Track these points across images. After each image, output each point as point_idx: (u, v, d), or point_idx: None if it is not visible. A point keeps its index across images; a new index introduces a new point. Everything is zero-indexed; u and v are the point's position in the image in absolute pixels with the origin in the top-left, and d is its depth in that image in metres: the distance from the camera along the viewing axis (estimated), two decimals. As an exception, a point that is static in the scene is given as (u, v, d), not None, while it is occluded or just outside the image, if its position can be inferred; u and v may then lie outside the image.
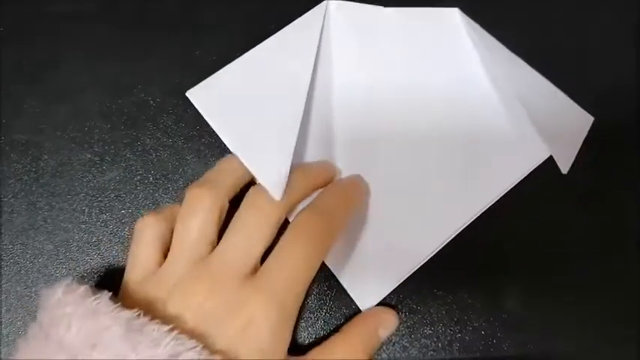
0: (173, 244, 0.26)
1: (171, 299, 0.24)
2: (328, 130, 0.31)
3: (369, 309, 0.29)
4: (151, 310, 0.23)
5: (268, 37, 0.32)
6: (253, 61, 0.31)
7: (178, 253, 0.25)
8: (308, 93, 0.29)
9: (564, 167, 0.30)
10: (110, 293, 0.23)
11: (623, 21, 0.34)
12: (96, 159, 0.31)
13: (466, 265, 0.31)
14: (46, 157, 0.31)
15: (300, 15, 0.32)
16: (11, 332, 0.29)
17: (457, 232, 0.30)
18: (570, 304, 0.31)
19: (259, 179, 0.28)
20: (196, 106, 0.30)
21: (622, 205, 0.32)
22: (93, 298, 0.22)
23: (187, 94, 0.30)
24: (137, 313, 0.21)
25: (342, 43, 0.32)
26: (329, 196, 0.28)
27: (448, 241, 0.30)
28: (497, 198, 0.31)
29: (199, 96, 0.31)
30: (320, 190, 0.29)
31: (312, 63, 0.30)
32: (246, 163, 0.28)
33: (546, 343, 0.30)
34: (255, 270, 0.25)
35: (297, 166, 0.28)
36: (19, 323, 0.29)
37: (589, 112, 0.32)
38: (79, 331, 0.21)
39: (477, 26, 0.31)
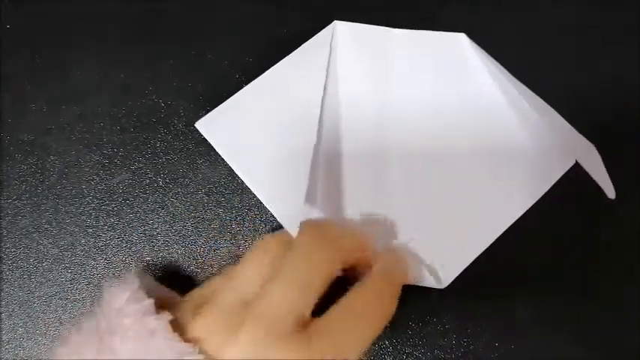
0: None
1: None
2: (338, 149, 0.31)
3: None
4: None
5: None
6: (262, 87, 0.30)
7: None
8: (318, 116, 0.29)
9: (610, 192, 0.28)
10: (170, 317, 0.22)
11: (623, 21, 0.34)
12: (104, 161, 0.30)
13: (479, 276, 0.30)
14: (52, 158, 0.30)
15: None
16: (12, 339, 0.28)
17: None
18: (584, 314, 0.30)
19: (274, 214, 0.28)
20: (206, 137, 0.30)
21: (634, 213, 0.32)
22: (154, 317, 0.21)
23: (197, 125, 0.30)
24: (192, 349, 0.21)
25: (350, 63, 0.32)
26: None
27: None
28: (523, 212, 0.30)
29: (209, 126, 0.30)
30: None
31: (322, 89, 0.30)
32: (260, 197, 0.29)
33: (559, 354, 0.30)
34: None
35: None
36: (20, 330, 0.28)
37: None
38: (134, 350, 0.21)
39: (482, 51, 0.32)
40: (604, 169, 0.29)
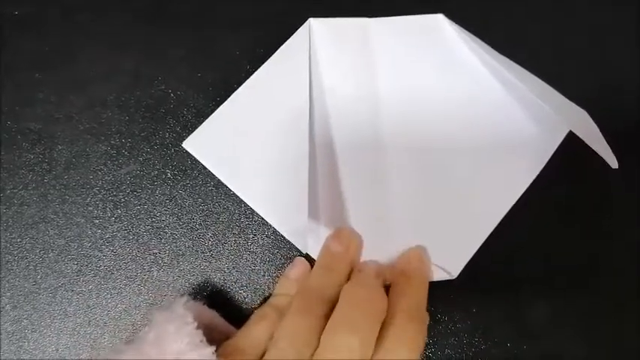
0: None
1: None
2: (332, 149, 0.30)
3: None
4: None
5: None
6: (246, 98, 0.30)
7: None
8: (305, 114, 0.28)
9: (612, 162, 0.27)
10: None
11: (621, 19, 0.33)
12: (112, 152, 0.30)
13: (491, 276, 0.30)
14: (59, 147, 0.30)
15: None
16: (17, 330, 0.28)
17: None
18: (597, 316, 0.30)
19: (281, 231, 0.28)
20: (196, 156, 0.29)
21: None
22: None
23: (184, 144, 0.29)
24: None
25: (332, 60, 0.31)
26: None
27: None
28: (519, 196, 0.30)
29: (197, 145, 0.29)
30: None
31: (308, 91, 0.29)
32: (261, 214, 0.29)
33: (572, 356, 0.29)
34: None
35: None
36: (25, 322, 0.28)
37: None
38: None
39: (462, 30, 0.31)
40: (602, 137, 0.28)
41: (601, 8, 0.33)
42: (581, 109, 0.31)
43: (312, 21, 0.31)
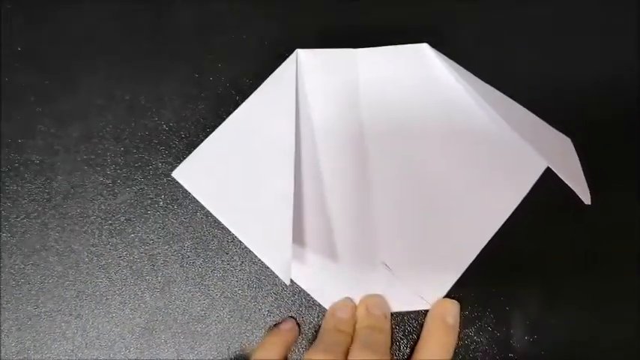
0: None
1: None
2: (319, 178, 0.31)
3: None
4: None
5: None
6: (235, 128, 0.31)
7: None
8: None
9: (585, 198, 0.28)
10: None
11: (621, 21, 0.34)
12: (108, 182, 0.31)
13: (473, 302, 0.30)
14: (59, 178, 0.31)
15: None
16: (21, 351, 0.30)
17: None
18: (582, 343, 0.30)
19: (265, 262, 0.29)
20: (184, 186, 0.30)
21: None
22: None
23: (173, 174, 0.30)
24: None
25: (319, 89, 0.31)
26: None
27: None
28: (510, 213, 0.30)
29: (186, 174, 0.30)
30: None
31: (294, 121, 0.29)
32: (247, 244, 0.29)
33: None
34: None
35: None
36: (27, 343, 0.30)
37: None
38: None
39: (446, 59, 0.31)
40: (580, 169, 0.29)
41: (592, 32, 0.33)
42: (565, 137, 0.31)
43: (299, 52, 0.32)
